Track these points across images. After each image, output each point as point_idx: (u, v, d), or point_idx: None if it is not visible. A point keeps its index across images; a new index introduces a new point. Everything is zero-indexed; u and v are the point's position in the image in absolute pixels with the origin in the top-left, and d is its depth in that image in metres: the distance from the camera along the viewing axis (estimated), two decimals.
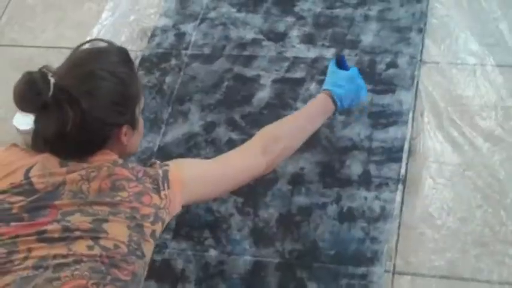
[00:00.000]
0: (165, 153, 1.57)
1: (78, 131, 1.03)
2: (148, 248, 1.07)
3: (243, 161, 1.22)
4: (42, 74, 1.04)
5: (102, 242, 1.01)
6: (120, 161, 1.10)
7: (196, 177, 1.16)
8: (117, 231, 1.02)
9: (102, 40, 1.16)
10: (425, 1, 1.71)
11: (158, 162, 1.14)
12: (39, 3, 2.08)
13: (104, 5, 1.99)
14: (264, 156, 1.23)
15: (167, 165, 1.13)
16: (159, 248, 1.43)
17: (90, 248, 1.00)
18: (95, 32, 1.91)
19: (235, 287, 1.36)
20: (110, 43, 1.16)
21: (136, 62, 1.78)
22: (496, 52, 1.59)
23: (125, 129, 1.11)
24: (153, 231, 1.07)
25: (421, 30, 1.66)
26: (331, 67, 1.38)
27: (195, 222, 1.46)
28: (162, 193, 1.08)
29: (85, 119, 1.03)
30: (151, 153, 1.60)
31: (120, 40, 1.86)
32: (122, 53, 1.13)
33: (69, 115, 1.02)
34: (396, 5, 1.73)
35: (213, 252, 1.42)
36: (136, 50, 1.82)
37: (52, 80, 1.02)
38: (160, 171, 1.11)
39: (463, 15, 1.67)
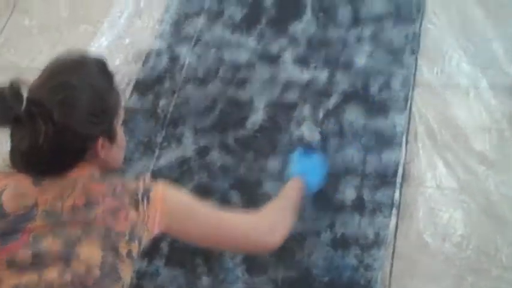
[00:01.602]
0: (159, 177, 1.56)
1: (51, 143, 1.00)
2: (125, 269, 1.02)
3: (247, 229, 1.15)
4: (14, 89, 0.99)
5: (74, 267, 0.98)
6: (97, 175, 1.06)
7: (182, 204, 1.10)
8: (90, 253, 0.99)
9: (79, 51, 1.11)
10: (418, 22, 1.70)
11: (147, 176, 1.11)
12: (35, 25, 2.09)
13: (100, 27, 1.99)
14: (276, 232, 1.18)
15: (154, 181, 1.09)
16: (151, 275, 1.43)
17: (61, 274, 0.97)
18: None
19: None
20: (87, 54, 1.11)
21: (131, 85, 1.78)
22: (490, 73, 1.58)
23: (101, 141, 1.07)
24: (129, 251, 1.03)
25: (414, 52, 1.65)
26: (297, 156, 1.40)
27: (188, 250, 1.45)
28: (140, 207, 1.04)
29: (57, 130, 1.00)
30: None
31: (115, 63, 1.86)
32: (100, 64, 1.10)
33: (41, 128, 0.99)
34: (389, 26, 1.72)
35: (205, 280, 1.41)
36: (130, 73, 1.82)
37: (24, 95, 0.99)
38: (141, 186, 1.07)
39: (457, 37, 1.66)
